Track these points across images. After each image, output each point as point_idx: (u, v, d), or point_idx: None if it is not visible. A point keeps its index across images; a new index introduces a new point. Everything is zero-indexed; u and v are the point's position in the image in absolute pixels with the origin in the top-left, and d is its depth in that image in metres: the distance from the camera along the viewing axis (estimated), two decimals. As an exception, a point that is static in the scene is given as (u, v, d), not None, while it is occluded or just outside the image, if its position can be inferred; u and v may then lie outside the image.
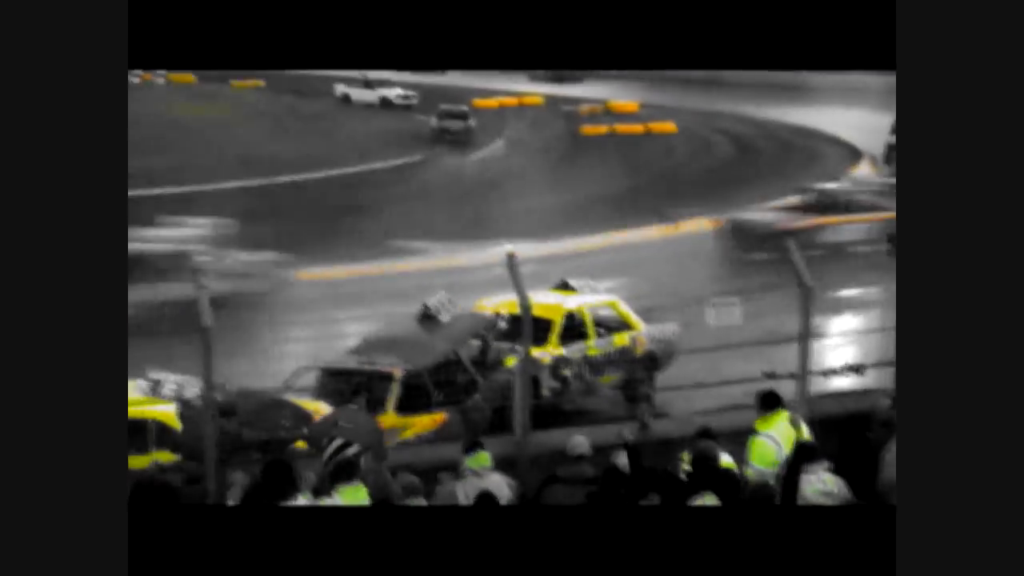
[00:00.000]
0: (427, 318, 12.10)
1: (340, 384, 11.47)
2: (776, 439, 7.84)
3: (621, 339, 13.74)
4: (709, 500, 6.80)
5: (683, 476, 7.36)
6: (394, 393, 11.31)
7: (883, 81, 46.83)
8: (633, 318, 14.07)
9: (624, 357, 13.60)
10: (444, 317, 12.08)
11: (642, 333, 13.88)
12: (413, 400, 11.10)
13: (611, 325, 13.96)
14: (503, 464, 8.40)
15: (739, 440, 8.14)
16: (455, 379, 11.85)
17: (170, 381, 10.45)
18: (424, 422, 10.84)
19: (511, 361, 12.14)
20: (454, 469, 8.12)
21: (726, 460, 7.80)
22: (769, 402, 8.00)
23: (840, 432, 8.12)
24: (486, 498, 7.22)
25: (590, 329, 13.50)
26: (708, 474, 7.11)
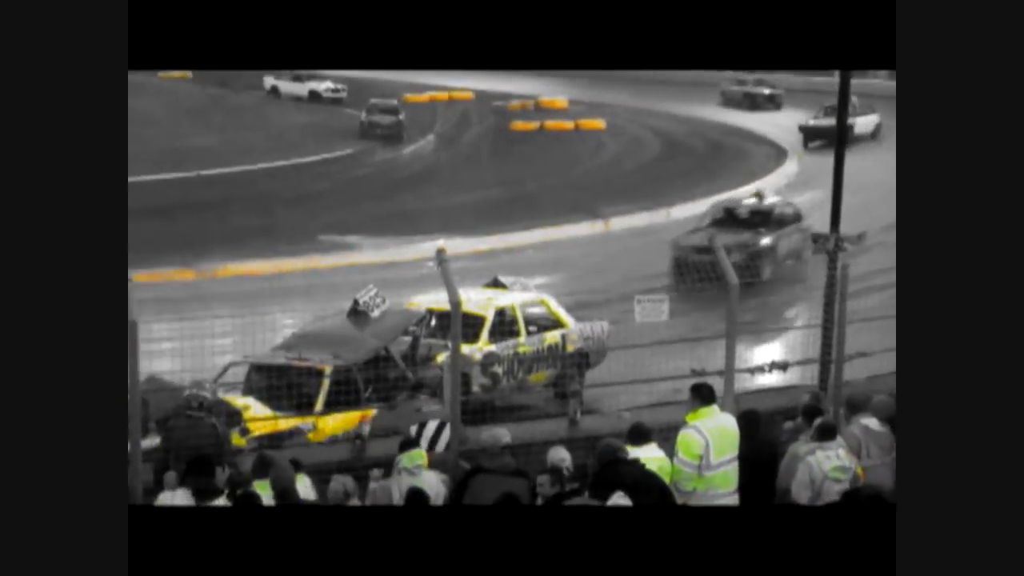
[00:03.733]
0: (357, 313, 12.04)
1: (269, 380, 11.36)
2: (703, 431, 7.92)
3: (551, 337, 13.76)
4: (622, 500, 6.82)
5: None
6: (324, 389, 11.23)
7: (803, 81, 47.54)
8: (563, 316, 14.12)
9: (554, 354, 13.64)
10: (375, 312, 12.05)
11: (572, 331, 13.92)
12: (343, 396, 11.04)
13: (542, 323, 13.99)
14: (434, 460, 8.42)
15: (670, 436, 8.22)
16: (386, 375, 11.79)
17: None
18: (352, 418, 10.79)
19: (440, 357, 12.14)
20: (387, 467, 8.14)
21: (655, 455, 7.88)
22: (701, 394, 8.09)
23: (745, 427, 8.24)
24: (417, 495, 7.21)
25: (520, 326, 13.53)
26: (612, 472, 7.20)
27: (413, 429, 9.13)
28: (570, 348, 13.76)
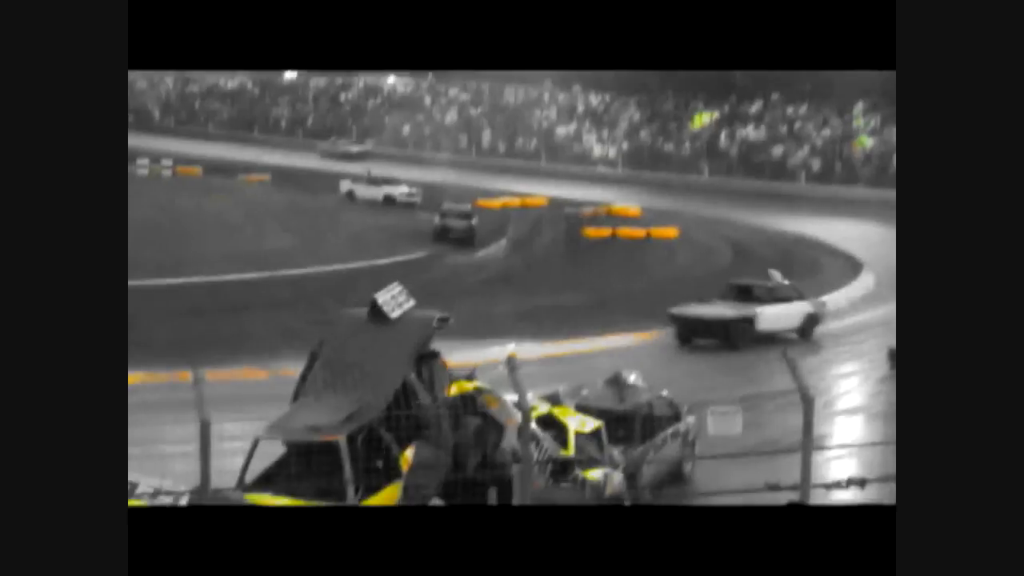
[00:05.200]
0: (377, 315, 11.25)
1: (293, 459, 10.32)
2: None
3: (592, 477, 11.80)
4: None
5: None
6: (347, 467, 9.88)
7: (887, 195, 47.33)
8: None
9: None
10: (395, 313, 11.24)
11: (617, 481, 11.98)
12: (371, 458, 9.99)
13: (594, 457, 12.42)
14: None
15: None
16: (411, 413, 10.48)
17: None
18: (384, 499, 9.54)
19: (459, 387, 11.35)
20: None
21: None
22: None
23: None
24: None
25: (570, 445, 12.37)
26: None
27: None
28: (609, 492, 11.80)
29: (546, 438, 11.91)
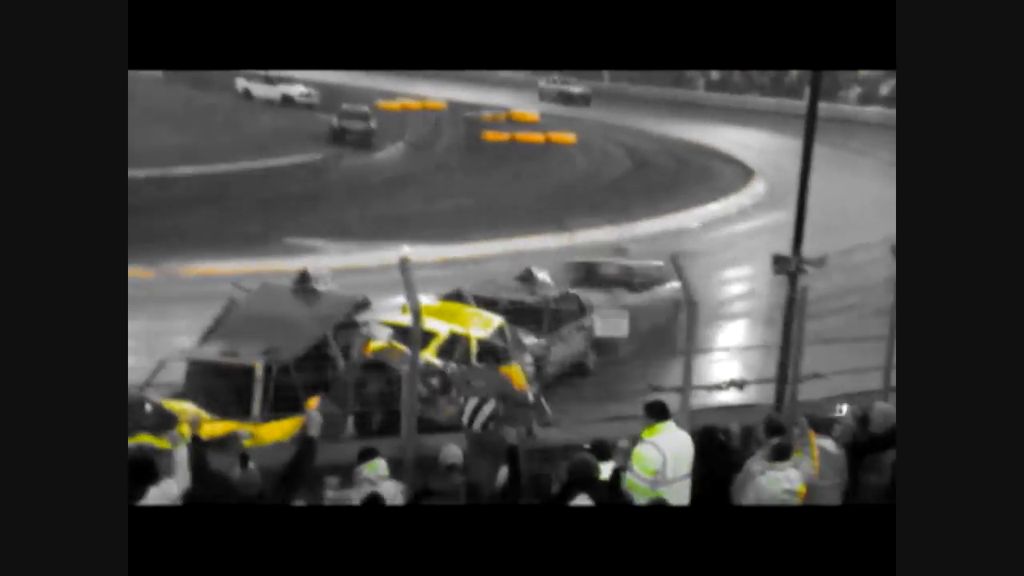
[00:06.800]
0: (304, 286, 11.42)
1: (205, 378, 10.66)
2: (660, 447, 7.98)
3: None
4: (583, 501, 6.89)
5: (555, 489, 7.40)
6: (258, 390, 10.43)
7: (781, 104, 47.93)
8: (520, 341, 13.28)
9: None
10: (321, 287, 11.45)
11: (523, 366, 11.94)
12: (278, 395, 10.27)
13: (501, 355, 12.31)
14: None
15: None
16: (323, 371, 10.98)
17: None
18: (286, 427, 9.95)
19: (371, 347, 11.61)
20: (343, 473, 8.05)
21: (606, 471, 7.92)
22: (655, 411, 8.15)
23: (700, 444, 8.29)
24: (375, 502, 7.20)
25: (471, 356, 12.63)
26: (584, 485, 7.20)
27: (470, 404, 9.16)
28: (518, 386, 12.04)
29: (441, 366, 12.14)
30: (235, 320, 11.28)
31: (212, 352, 10.82)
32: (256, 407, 10.37)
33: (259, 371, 10.47)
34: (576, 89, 56.56)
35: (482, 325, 13.20)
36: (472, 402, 9.23)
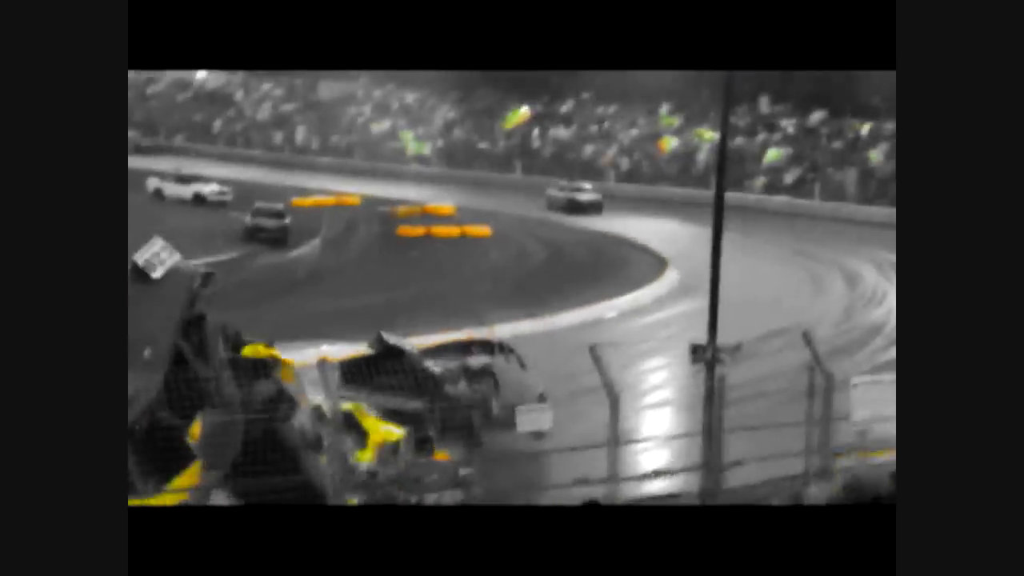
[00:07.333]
0: (140, 275, 10.16)
1: None
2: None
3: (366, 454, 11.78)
4: None
5: None
6: (129, 460, 9.19)
7: (690, 194, 48.89)
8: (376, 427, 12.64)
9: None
10: (156, 272, 10.26)
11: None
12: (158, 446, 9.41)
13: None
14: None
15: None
16: (191, 384, 9.93)
17: None
18: (188, 476, 9.34)
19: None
20: None
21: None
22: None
23: None
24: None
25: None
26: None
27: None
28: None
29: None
30: None
31: None
32: (138, 484, 9.33)
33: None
34: (587, 197, 49.86)
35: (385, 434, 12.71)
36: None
